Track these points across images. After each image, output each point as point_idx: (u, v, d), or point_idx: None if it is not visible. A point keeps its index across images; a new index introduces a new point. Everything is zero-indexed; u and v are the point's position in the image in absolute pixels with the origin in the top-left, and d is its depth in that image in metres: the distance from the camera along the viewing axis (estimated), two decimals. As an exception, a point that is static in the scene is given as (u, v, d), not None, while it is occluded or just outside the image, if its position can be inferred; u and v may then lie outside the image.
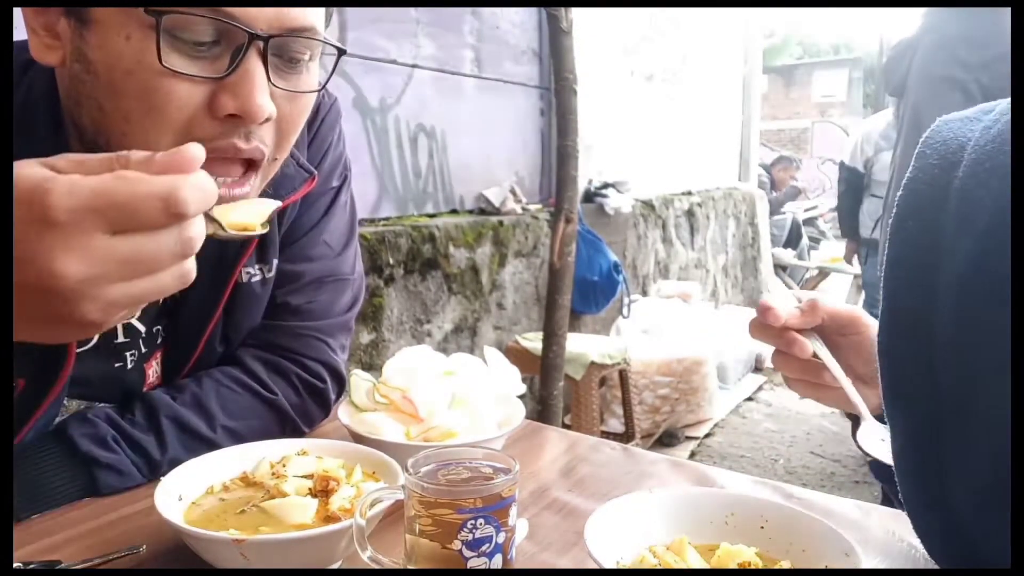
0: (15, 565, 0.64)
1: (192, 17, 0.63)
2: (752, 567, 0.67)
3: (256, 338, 0.96)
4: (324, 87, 0.76)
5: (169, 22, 0.62)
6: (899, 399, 0.36)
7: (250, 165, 0.72)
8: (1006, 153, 0.33)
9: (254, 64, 0.66)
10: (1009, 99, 0.36)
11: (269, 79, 0.68)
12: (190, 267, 0.54)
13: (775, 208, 7.49)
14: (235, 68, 0.66)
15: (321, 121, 0.97)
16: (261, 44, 0.66)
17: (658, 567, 0.66)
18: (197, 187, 0.51)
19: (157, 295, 0.53)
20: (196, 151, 0.52)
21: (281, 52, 0.69)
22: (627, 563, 0.68)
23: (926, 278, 0.34)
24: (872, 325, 0.72)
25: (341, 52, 0.75)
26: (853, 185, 4.18)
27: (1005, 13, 2.84)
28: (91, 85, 0.67)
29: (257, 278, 0.92)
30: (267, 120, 0.69)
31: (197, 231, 0.53)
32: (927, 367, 0.34)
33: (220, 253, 0.88)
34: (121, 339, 0.86)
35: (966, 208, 0.33)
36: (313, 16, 0.70)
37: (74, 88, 0.70)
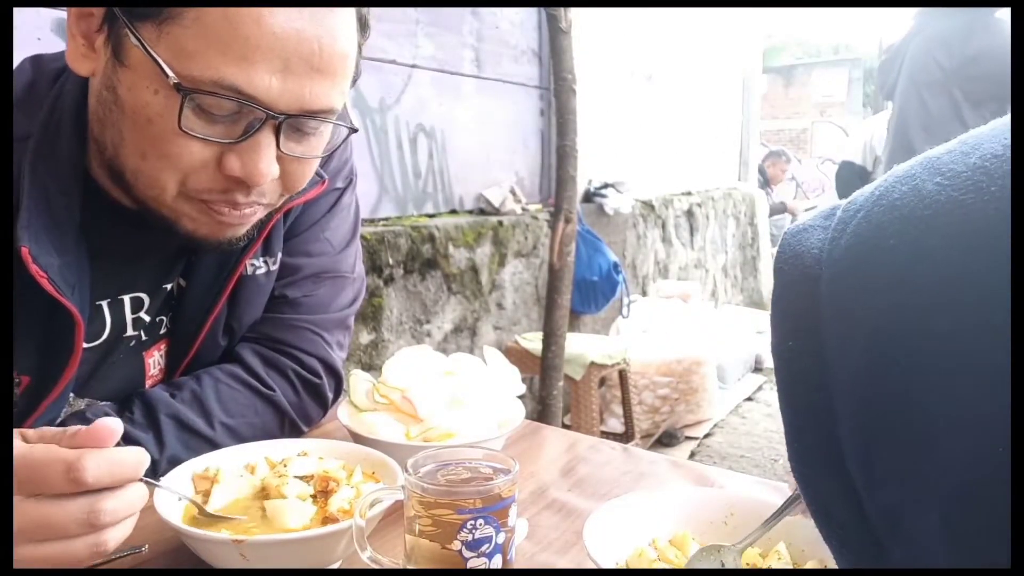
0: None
1: (215, 97, 0.66)
2: (754, 567, 0.67)
3: (253, 331, 0.96)
4: (327, 160, 0.82)
5: (195, 97, 0.66)
6: (830, 526, 0.35)
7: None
8: (863, 267, 0.33)
9: (264, 136, 0.70)
10: (844, 203, 0.37)
11: (279, 146, 0.71)
12: (105, 538, 0.58)
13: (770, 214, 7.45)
14: (247, 138, 0.69)
15: None
16: (276, 121, 0.70)
17: (657, 561, 0.66)
18: (104, 458, 0.56)
19: (69, 562, 0.57)
20: (114, 426, 0.58)
21: (296, 126, 0.73)
22: (625, 557, 0.68)
23: (820, 401, 0.34)
24: None
25: (352, 131, 0.79)
26: (853, 186, 4.13)
27: (985, 12, 2.84)
28: (117, 115, 0.71)
29: (261, 270, 0.93)
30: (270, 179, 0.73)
31: (110, 505, 0.57)
32: (847, 490, 0.33)
33: None
34: (131, 332, 0.87)
35: (842, 329, 0.33)
36: (336, 98, 0.73)
37: (101, 109, 0.73)
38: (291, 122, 0.71)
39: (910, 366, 0.30)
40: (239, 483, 0.75)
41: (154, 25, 0.66)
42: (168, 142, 0.69)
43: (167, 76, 0.66)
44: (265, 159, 0.71)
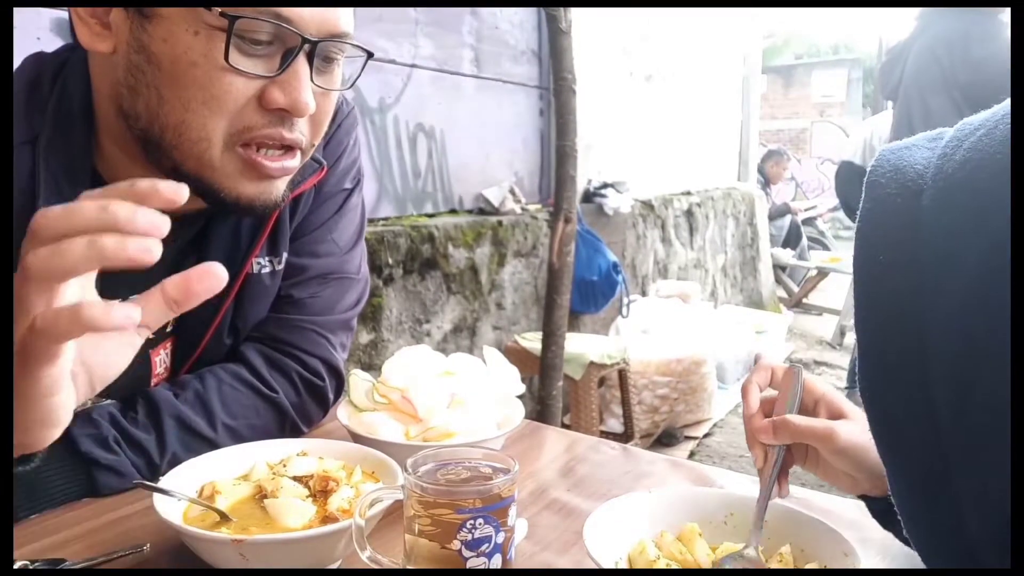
0: (20, 564, 0.64)
1: (258, 21, 0.70)
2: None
3: (258, 330, 0.96)
4: (352, 84, 0.84)
5: (239, 25, 0.69)
6: (895, 445, 0.34)
7: (290, 147, 0.79)
8: (981, 179, 0.31)
9: (302, 65, 0.74)
10: (955, 126, 0.35)
11: (312, 78, 0.75)
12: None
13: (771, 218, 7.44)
14: (286, 68, 0.73)
15: (339, 125, 1.00)
16: (309, 47, 0.74)
17: (659, 558, 0.66)
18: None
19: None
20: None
21: (324, 52, 0.77)
22: (625, 555, 0.68)
23: (910, 318, 0.33)
24: (843, 434, 0.68)
25: (369, 55, 0.82)
26: (853, 185, 4.13)
27: (989, 16, 2.84)
28: (152, 75, 0.73)
29: (267, 270, 0.94)
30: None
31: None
32: (924, 409, 0.32)
33: (232, 243, 0.90)
34: None
35: (948, 245, 0.31)
36: (350, 24, 0.78)
37: (131, 77, 0.74)
38: (320, 48, 0.75)
39: None
40: (238, 488, 0.75)
41: None
42: (214, 82, 0.71)
43: (209, 10, 0.68)
44: (306, 87, 0.74)
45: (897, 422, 0.34)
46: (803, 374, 0.75)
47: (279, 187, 0.80)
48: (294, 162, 0.79)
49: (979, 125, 0.33)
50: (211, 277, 0.58)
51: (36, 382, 0.56)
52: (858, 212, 0.37)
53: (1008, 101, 0.33)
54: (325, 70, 0.78)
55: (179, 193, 0.55)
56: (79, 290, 0.57)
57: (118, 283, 0.83)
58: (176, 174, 0.76)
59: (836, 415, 0.71)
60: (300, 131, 0.78)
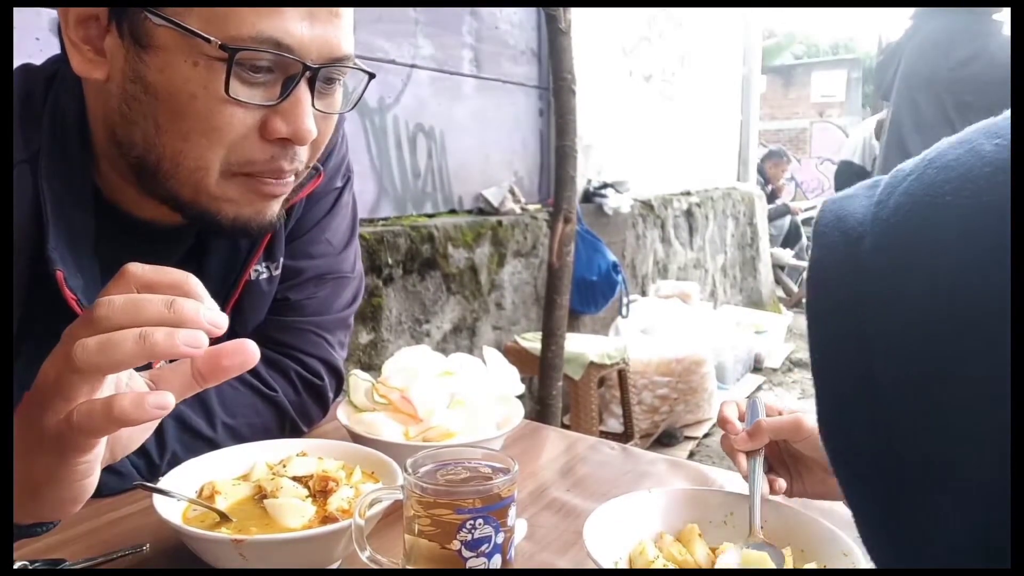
0: (20, 564, 0.64)
1: (259, 53, 0.68)
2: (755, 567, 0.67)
3: (256, 333, 0.96)
4: (354, 106, 0.82)
5: (239, 55, 0.67)
6: (854, 481, 0.35)
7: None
8: (913, 222, 0.33)
9: (303, 92, 0.72)
10: (890, 172, 0.37)
11: (312, 103, 0.73)
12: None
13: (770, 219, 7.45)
14: (287, 96, 0.71)
15: None
16: (310, 73, 0.71)
17: (659, 558, 0.66)
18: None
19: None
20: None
21: (325, 76, 0.74)
22: (625, 555, 0.68)
23: (858, 360, 0.34)
24: (808, 419, 0.77)
25: (371, 76, 0.80)
26: (852, 185, 4.14)
27: (980, 15, 2.83)
28: (149, 105, 0.71)
29: (264, 276, 0.94)
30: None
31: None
32: (884, 446, 0.33)
33: (231, 252, 0.90)
34: None
35: (888, 283, 0.33)
36: (351, 45, 0.75)
37: (126, 106, 0.72)
38: (321, 72, 0.73)
39: (968, 323, 0.29)
40: (237, 489, 0.75)
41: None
42: (214, 114, 0.69)
43: (208, 42, 0.66)
44: (308, 115, 0.72)
45: (854, 459, 0.35)
46: (761, 398, 0.83)
47: (275, 208, 0.79)
48: (287, 180, 0.78)
49: (910, 171, 0.35)
50: (243, 354, 0.59)
51: (71, 468, 0.57)
52: (807, 261, 0.38)
53: (942, 141, 0.35)
54: (326, 92, 0.76)
55: (220, 326, 0.56)
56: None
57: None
58: (172, 201, 0.76)
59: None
60: (300, 159, 0.77)
